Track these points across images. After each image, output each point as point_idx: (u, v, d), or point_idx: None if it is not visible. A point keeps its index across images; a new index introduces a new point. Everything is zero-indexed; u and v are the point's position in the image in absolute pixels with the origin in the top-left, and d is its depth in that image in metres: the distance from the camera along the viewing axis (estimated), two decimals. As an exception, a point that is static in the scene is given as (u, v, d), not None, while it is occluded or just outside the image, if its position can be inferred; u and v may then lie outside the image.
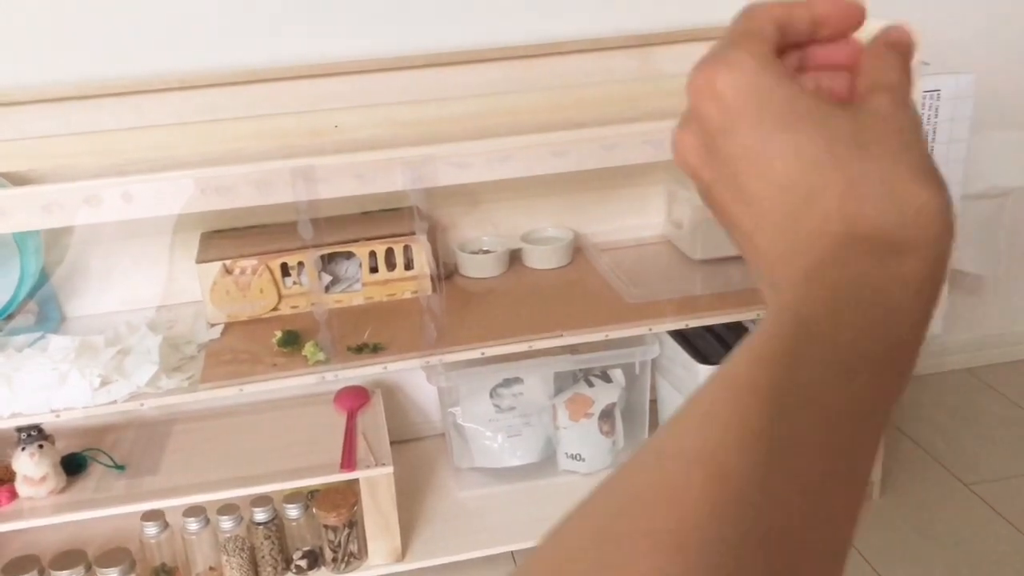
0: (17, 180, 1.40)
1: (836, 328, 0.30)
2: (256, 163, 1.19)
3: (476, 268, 1.61)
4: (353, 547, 1.43)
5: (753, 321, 1.50)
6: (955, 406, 1.88)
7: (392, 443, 1.49)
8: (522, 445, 1.60)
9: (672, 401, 1.60)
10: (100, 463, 1.45)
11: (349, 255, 1.53)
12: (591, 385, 1.60)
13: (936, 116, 1.38)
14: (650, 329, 1.41)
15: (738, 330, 1.53)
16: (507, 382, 1.58)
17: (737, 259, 1.51)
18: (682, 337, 1.52)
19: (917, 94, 1.36)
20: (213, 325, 1.45)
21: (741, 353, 0.31)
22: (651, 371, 1.59)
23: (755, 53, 0.34)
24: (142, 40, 1.45)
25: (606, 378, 1.61)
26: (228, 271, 1.44)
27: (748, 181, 0.34)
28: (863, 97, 0.35)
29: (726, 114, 0.34)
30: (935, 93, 1.36)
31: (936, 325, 1.56)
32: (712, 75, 0.34)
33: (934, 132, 1.40)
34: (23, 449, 1.34)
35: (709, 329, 1.54)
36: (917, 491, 1.63)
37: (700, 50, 1.38)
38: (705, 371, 1.44)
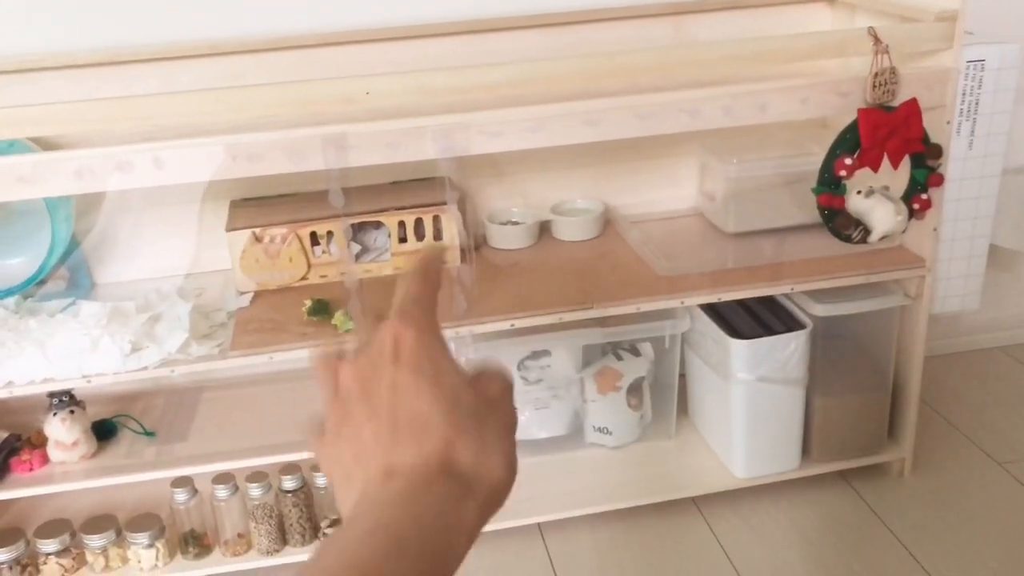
0: (47, 146, 1.40)
1: (418, 533, 0.42)
2: (287, 130, 1.18)
3: (505, 239, 1.60)
4: (381, 516, 1.43)
5: (786, 295, 1.48)
6: (988, 384, 1.85)
7: (420, 414, 1.48)
8: (549, 418, 1.59)
9: (702, 375, 1.59)
10: (130, 429, 1.46)
11: (378, 225, 1.52)
12: (619, 359, 1.59)
13: (980, 87, 1.34)
14: (682, 303, 1.39)
15: (770, 304, 1.51)
16: (535, 355, 1.57)
17: (771, 232, 1.50)
18: (713, 311, 1.51)
19: (961, 64, 1.32)
20: (242, 293, 1.45)
21: (335, 548, 0.42)
22: (681, 345, 1.58)
23: (427, 324, 0.49)
24: (173, 6, 1.43)
25: (635, 352, 1.60)
26: (258, 239, 1.44)
27: (396, 405, 0.46)
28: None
29: (403, 356, 0.47)
30: (979, 63, 1.32)
31: (973, 301, 1.53)
32: (401, 329, 0.48)
33: (976, 103, 1.36)
34: (55, 414, 1.35)
35: (740, 303, 1.52)
36: (948, 469, 1.61)
37: (733, 19, 1.36)
38: (736, 345, 1.42)
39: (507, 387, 0.50)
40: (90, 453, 1.39)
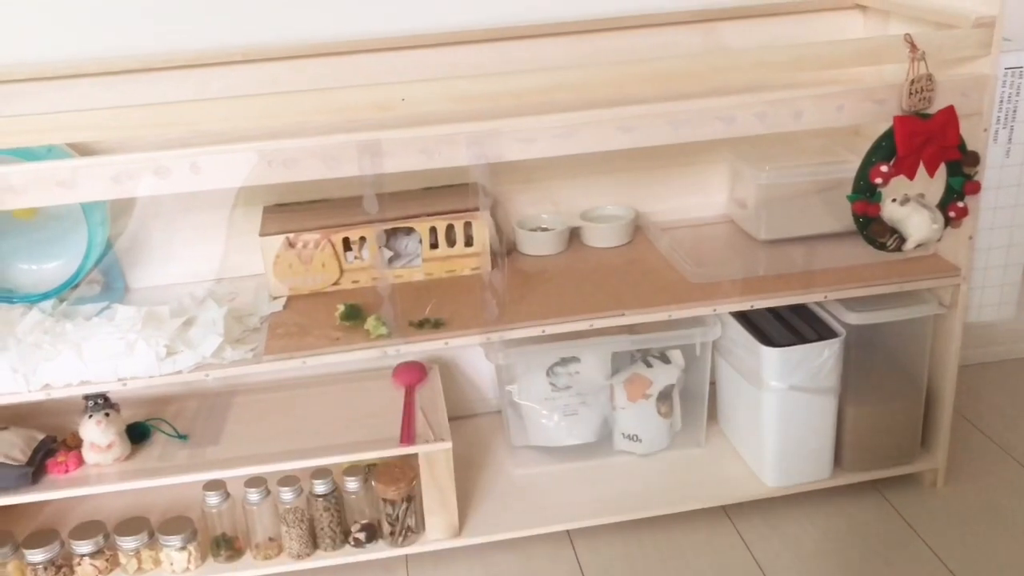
0: (83, 151, 1.42)
1: None
2: (322, 136, 1.19)
3: (535, 246, 1.60)
4: (411, 521, 1.43)
5: (819, 303, 1.47)
6: (1023, 395, 1.83)
7: (448, 419, 1.49)
8: (578, 424, 1.59)
9: (732, 383, 1.58)
10: (163, 432, 1.47)
11: (409, 231, 1.52)
12: (649, 366, 1.59)
13: (1018, 94, 1.33)
14: (715, 310, 1.38)
15: (802, 312, 1.50)
16: (564, 361, 1.57)
17: (803, 240, 1.50)
18: (744, 318, 1.50)
19: (999, 71, 1.31)
20: (276, 298, 1.46)
21: None
22: (711, 352, 1.57)
23: None
24: (209, 13, 1.45)
25: (665, 359, 1.59)
26: (291, 244, 1.45)
27: None
28: None
29: None
30: (1018, 71, 1.31)
31: (1008, 310, 1.52)
32: None
33: (1014, 111, 1.35)
34: (90, 416, 1.36)
35: (772, 310, 1.51)
36: (982, 480, 1.59)
37: (765, 26, 1.35)
38: (769, 353, 1.41)
39: None
40: (124, 456, 1.40)
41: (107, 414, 1.36)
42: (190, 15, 1.45)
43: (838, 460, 1.53)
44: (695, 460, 1.60)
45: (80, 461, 1.38)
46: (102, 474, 1.38)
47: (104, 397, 1.36)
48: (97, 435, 1.36)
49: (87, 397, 1.35)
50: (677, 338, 1.53)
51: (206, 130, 1.18)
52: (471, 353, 1.73)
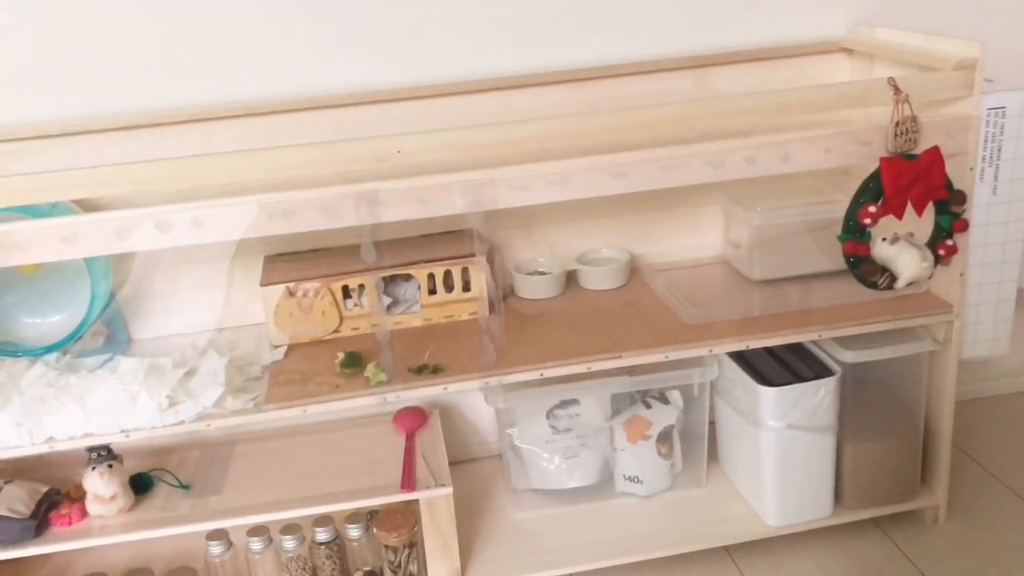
0: (88, 207, 1.44)
1: None
2: (321, 188, 1.22)
3: (532, 289, 1.62)
4: (413, 568, 1.43)
5: (814, 341, 1.48)
6: (1022, 428, 1.83)
7: (449, 463, 1.50)
8: (579, 467, 1.60)
9: (731, 423, 1.59)
10: (166, 483, 1.48)
11: (408, 277, 1.54)
12: (648, 407, 1.60)
13: (1002, 134, 1.36)
14: (710, 350, 1.40)
15: (798, 350, 1.51)
16: (564, 403, 1.58)
17: (797, 279, 1.51)
18: (741, 358, 1.51)
19: (982, 111, 1.34)
20: (276, 347, 1.48)
21: None
22: (710, 392, 1.58)
23: None
24: (208, 69, 1.49)
25: (664, 400, 1.60)
26: (291, 294, 1.47)
27: None
28: None
29: None
30: (1000, 110, 1.34)
31: (1002, 345, 1.53)
32: None
33: (999, 149, 1.37)
34: (94, 468, 1.37)
35: (768, 350, 1.52)
36: (984, 515, 1.59)
37: (754, 70, 1.39)
38: (766, 392, 1.43)
39: None
40: (127, 507, 1.40)
41: (110, 465, 1.37)
42: (189, 71, 1.48)
43: (839, 498, 1.53)
44: (696, 501, 1.60)
45: (84, 513, 1.39)
46: (106, 526, 1.38)
47: (107, 448, 1.37)
48: (100, 487, 1.37)
49: (90, 449, 1.36)
50: (675, 379, 1.54)
51: (208, 184, 1.21)
52: (471, 397, 1.74)
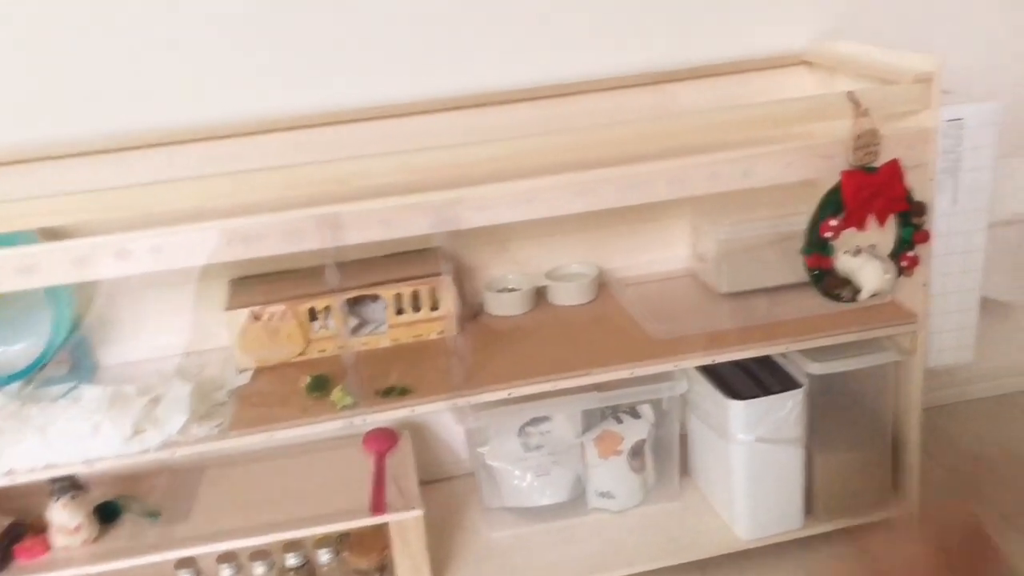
0: (49, 235, 1.42)
1: None
2: (283, 212, 1.21)
3: (502, 306, 1.62)
4: (385, 591, 1.42)
5: (782, 354, 1.49)
6: (988, 434, 1.85)
7: (421, 483, 1.49)
8: (551, 484, 1.59)
9: (702, 436, 1.59)
10: (133, 511, 1.46)
11: (375, 297, 1.54)
12: (620, 422, 1.60)
13: (960, 144, 1.37)
14: (676, 366, 1.40)
15: (766, 363, 1.52)
16: (535, 421, 1.58)
17: (763, 292, 1.51)
18: (710, 371, 1.52)
19: (940, 123, 1.35)
20: (242, 371, 1.47)
21: None
22: (680, 406, 1.58)
23: None
24: (169, 93, 1.47)
25: (635, 414, 1.60)
26: (256, 317, 1.46)
27: None
28: None
29: None
30: (958, 122, 1.35)
31: (966, 353, 1.54)
32: None
33: (958, 160, 1.39)
34: (57, 499, 1.35)
35: (736, 362, 1.53)
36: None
37: (717, 84, 1.39)
38: (734, 406, 1.43)
39: None
40: (92, 537, 1.39)
41: (73, 496, 1.35)
42: (148, 96, 1.47)
43: (810, 510, 1.53)
44: (669, 515, 1.60)
45: (48, 545, 1.37)
46: (71, 557, 1.36)
47: (71, 479, 1.36)
48: (64, 517, 1.35)
49: (53, 480, 1.34)
50: (645, 393, 1.54)
51: (169, 210, 1.20)
52: (443, 416, 1.73)
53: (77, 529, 1.37)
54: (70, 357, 1.51)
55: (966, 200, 1.40)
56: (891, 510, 1.56)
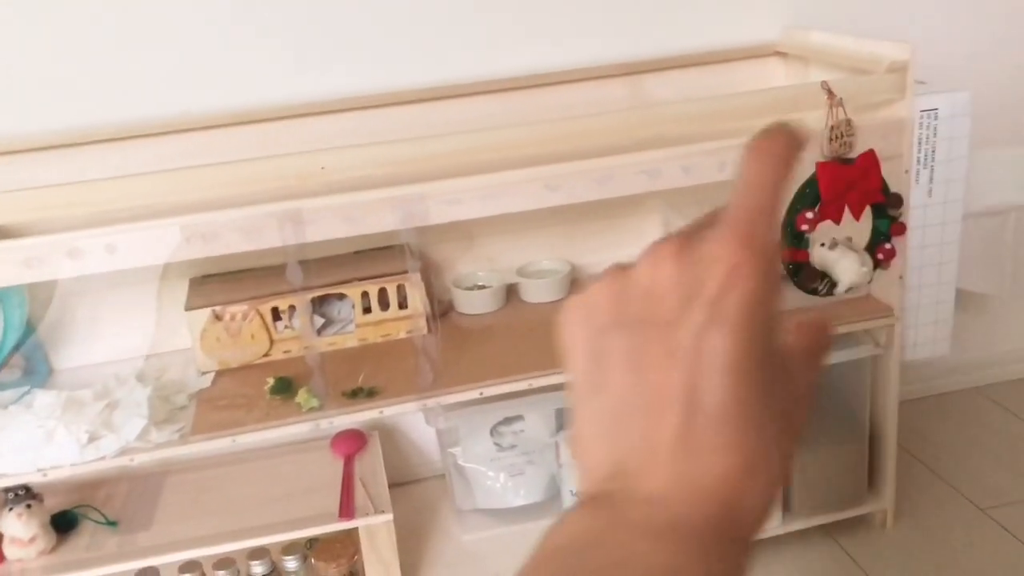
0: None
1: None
2: (242, 208, 1.17)
3: (472, 304, 1.58)
4: (354, 598, 1.38)
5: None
6: (965, 427, 1.84)
7: (392, 486, 1.45)
8: (525, 484, 1.56)
9: (677, 434, 1.56)
10: (91, 520, 1.41)
11: (341, 296, 1.49)
12: (594, 420, 1.57)
13: (935, 135, 1.35)
14: (652, 363, 1.37)
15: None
16: (508, 420, 1.54)
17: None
18: (685, 368, 1.49)
19: (915, 113, 1.34)
20: (204, 373, 1.42)
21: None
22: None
23: (773, 263, 0.33)
24: (123, 87, 1.42)
25: (609, 412, 1.57)
26: (218, 317, 1.41)
27: (696, 383, 0.32)
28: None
29: (730, 306, 0.31)
30: (932, 112, 1.33)
31: (943, 346, 1.53)
32: (742, 258, 0.32)
33: (933, 151, 1.37)
34: (10, 510, 1.30)
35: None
36: (931, 517, 1.59)
37: (689, 76, 1.35)
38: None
39: (814, 380, 0.35)
40: (49, 548, 1.33)
41: (28, 505, 1.30)
42: (102, 88, 1.42)
43: (787, 506, 1.51)
44: (645, 514, 1.57)
45: (2, 557, 1.32)
46: (26, 569, 1.31)
47: (25, 488, 1.30)
48: (18, 529, 1.30)
49: (6, 490, 1.29)
50: (619, 391, 1.51)
51: (125, 206, 1.15)
52: (413, 416, 1.69)
53: (32, 540, 1.31)
54: (23, 361, 1.46)
55: (941, 191, 1.38)
56: (867, 507, 1.54)
